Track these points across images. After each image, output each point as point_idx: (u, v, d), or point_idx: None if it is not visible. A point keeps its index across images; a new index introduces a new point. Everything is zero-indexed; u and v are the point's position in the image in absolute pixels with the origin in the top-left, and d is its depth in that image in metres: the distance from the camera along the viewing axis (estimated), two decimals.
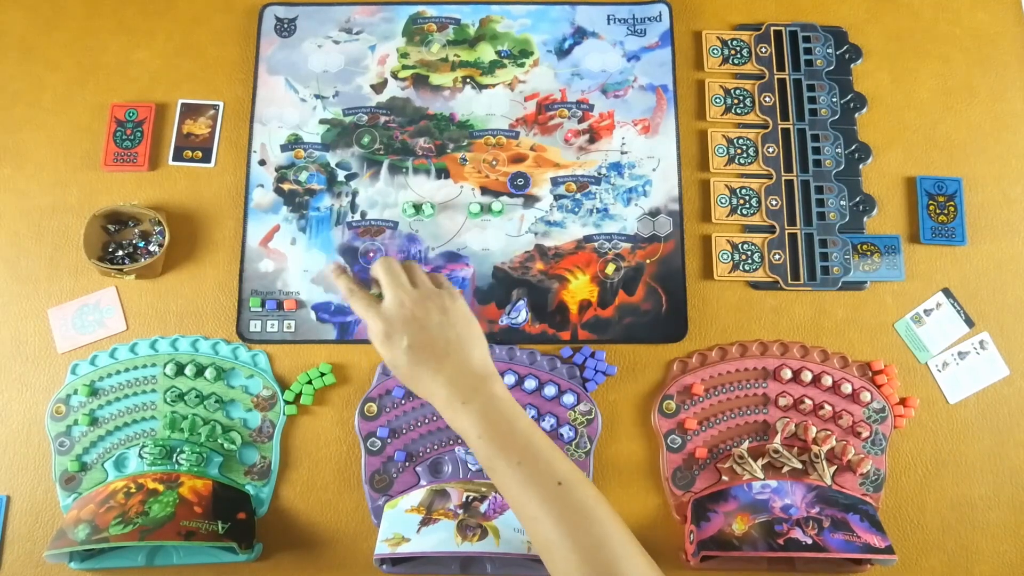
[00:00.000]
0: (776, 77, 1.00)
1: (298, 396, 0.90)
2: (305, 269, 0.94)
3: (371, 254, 0.94)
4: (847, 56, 1.00)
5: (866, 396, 0.89)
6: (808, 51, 1.00)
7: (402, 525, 0.82)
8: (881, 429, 0.89)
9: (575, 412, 0.89)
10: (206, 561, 0.85)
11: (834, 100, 0.98)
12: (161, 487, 0.83)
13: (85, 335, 0.92)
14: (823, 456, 0.86)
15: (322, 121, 0.98)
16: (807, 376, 0.89)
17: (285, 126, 0.98)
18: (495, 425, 0.69)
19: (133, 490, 0.82)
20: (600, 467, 0.89)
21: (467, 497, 0.83)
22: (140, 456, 0.86)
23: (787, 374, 0.90)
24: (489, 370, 0.73)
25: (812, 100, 0.98)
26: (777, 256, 0.94)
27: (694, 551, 0.82)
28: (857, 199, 0.96)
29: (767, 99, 0.99)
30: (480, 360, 0.73)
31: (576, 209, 0.96)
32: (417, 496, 0.85)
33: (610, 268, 0.94)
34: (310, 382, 0.90)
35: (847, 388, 0.89)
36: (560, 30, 1.01)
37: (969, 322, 0.93)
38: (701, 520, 0.83)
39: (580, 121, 0.98)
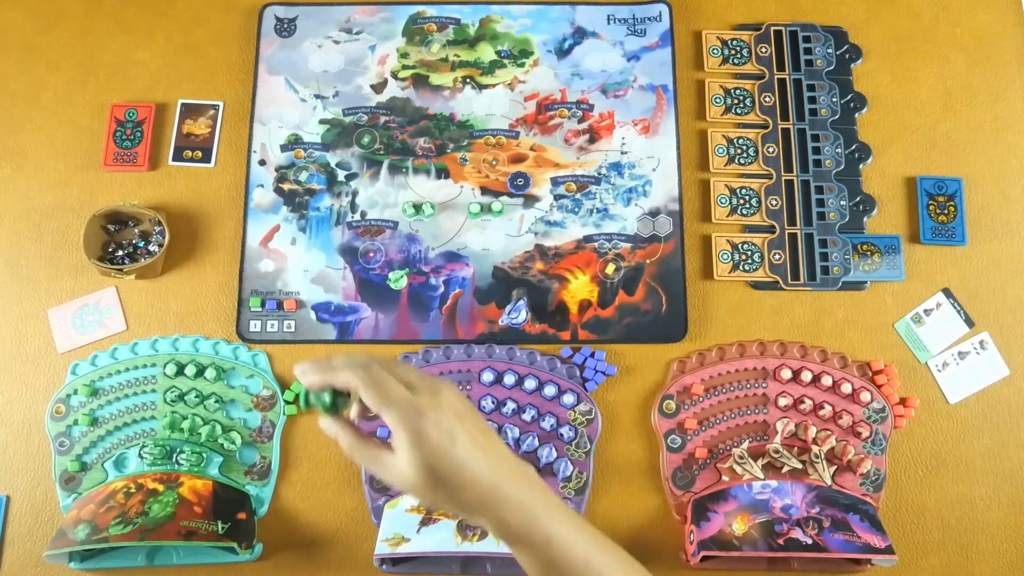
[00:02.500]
0: (776, 77, 1.00)
1: (298, 396, 0.90)
2: (305, 269, 0.94)
3: (371, 254, 0.94)
4: (847, 56, 1.00)
5: (866, 396, 0.89)
6: (808, 51, 1.00)
7: (402, 525, 0.82)
8: (881, 429, 0.89)
9: (575, 412, 0.89)
10: (206, 561, 0.85)
11: (834, 100, 0.98)
12: (161, 487, 0.83)
13: (85, 335, 0.92)
14: (823, 456, 0.86)
15: (322, 121, 0.98)
16: (807, 376, 0.89)
17: (285, 126, 0.98)
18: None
19: (133, 490, 0.82)
20: (600, 467, 0.89)
21: None
22: (140, 456, 0.86)
23: (787, 374, 0.90)
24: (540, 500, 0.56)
25: (812, 100, 0.98)
26: (777, 256, 0.94)
27: (694, 551, 0.82)
28: (857, 199, 0.96)
29: (767, 99, 0.99)
30: (527, 479, 0.57)
31: (576, 209, 0.96)
32: None
33: (610, 268, 0.94)
34: None
35: (847, 388, 0.89)
36: (560, 30, 1.01)
37: (969, 322, 0.93)
38: (701, 520, 0.83)
39: (580, 121, 0.98)
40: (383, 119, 0.98)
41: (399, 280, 0.93)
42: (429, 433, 0.54)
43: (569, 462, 0.87)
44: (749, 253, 0.94)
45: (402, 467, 0.54)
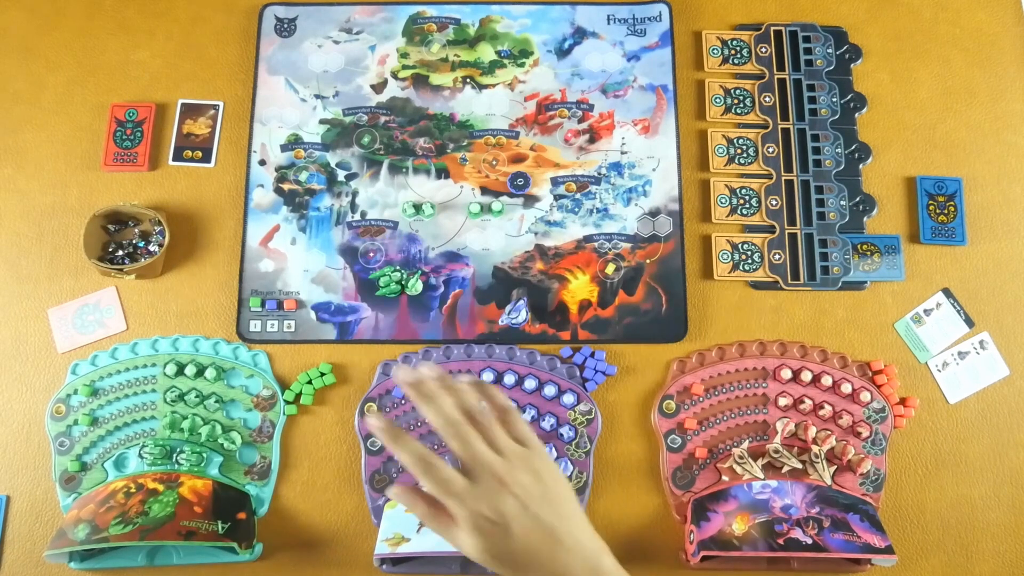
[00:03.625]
0: (776, 77, 1.00)
1: (298, 396, 0.90)
2: (305, 269, 0.94)
3: (371, 254, 0.94)
4: (847, 56, 1.00)
5: (866, 396, 0.89)
6: (808, 51, 1.00)
7: (402, 525, 0.82)
8: (881, 429, 0.89)
9: (575, 412, 0.89)
10: (206, 561, 0.85)
11: (834, 100, 0.98)
12: (161, 487, 0.83)
13: (85, 335, 0.92)
14: (823, 456, 0.86)
15: (322, 121, 0.98)
16: (807, 376, 0.89)
17: (285, 126, 0.98)
18: None
19: (133, 490, 0.82)
20: (600, 467, 0.89)
21: None
22: (140, 456, 0.86)
23: (787, 374, 0.90)
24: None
25: (812, 100, 0.98)
26: (777, 256, 0.94)
27: (694, 551, 0.82)
28: (857, 199, 0.96)
29: (767, 99, 0.99)
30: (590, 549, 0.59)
31: (576, 209, 0.96)
32: None
33: (610, 268, 0.94)
34: (310, 382, 0.90)
35: (847, 388, 0.89)
36: (560, 30, 1.01)
37: (969, 322, 0.93)
38: (701, 520, 0.83)
39: (580, 121, 0.98)
40: (383, 119, 0.98)
41: (415, 285, 0.93)
42: (483, 527, 0.57)
43: (569, 462, 0.88)
44: (749, 253, 0.94)
45: (467, 548, 0.58)
